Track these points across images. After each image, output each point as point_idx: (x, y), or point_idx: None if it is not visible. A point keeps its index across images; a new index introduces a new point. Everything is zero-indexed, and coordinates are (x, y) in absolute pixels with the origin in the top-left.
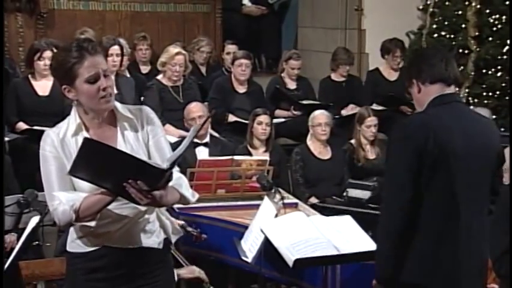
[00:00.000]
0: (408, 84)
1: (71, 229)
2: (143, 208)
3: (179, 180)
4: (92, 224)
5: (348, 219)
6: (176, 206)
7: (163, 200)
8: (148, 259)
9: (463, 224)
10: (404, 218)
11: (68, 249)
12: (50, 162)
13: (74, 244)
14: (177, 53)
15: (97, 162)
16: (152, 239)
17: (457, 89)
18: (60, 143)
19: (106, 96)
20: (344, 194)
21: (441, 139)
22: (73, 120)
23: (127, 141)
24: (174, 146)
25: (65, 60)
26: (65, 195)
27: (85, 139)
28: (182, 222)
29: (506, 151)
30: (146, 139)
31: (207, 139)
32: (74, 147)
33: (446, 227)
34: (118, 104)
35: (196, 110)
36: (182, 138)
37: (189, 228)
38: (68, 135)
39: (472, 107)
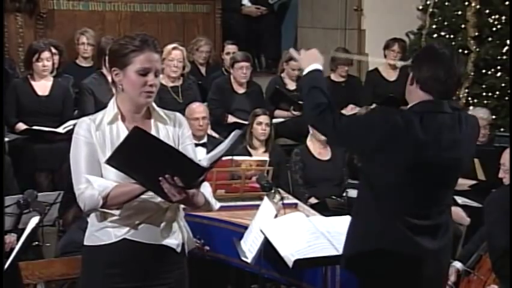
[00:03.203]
0: (409, 70)
1: (90, 223)
2: (164, 205)
3: (204, 187)
4: (117, 212)
5: (348, 219)
6: None
7: (194, 200)
8: (165, 259)
9: (426, 226)
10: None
11: (86, 243)
12: (82, 147)
13: (94, 237)
14: (174, 48)
15: (140, 152)
16: (171, 240)
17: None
18: (95, 129)
19: (148, 92)
20: (344, 194)
21: (412, 146)
22: (110, 109)
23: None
24: None
25: (125, 46)
26: (97, 180)
27: (135, 127)
28: None
29: (507, 151)
30: (177, 143)
31: (205, 139)
32: (108, 135)
33: (399, 228)
34: (154, 105)
35: (200, 110)
36: None
37: (193, 239)
38: (104, 122)
39: (471, 107)
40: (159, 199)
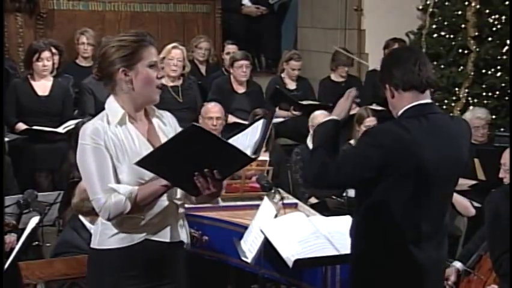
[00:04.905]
0: (382, 87)
1: (104, 226)
2: (178, 202)
3: None
4: (142, 217)
5: (348, 219)
6: None
7: (221, 192)
8: (179, 255)
9: (426, 234)
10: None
11: (100, 246)
12: (90, 154)
13: (111, 241)
14: (173, 47)
15: (187, 149)
16: (183, 234)
17: (433, 90)
18: (104, 132)
19: (159, 86)
20: (344, 194)
21: (410, 155)
22: (115, 110)
23: (166, 137)
24: None
25: (131, 44)
26: (121, 186)
27: (193, 125)
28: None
29: (507, 151)
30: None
31: None
32: (122, 136)
33: (408, 235)
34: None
35: (215, 110)
36: None
37: (191, 230)
38: (113, 124)
39: (471, 107)
40: (172, 197)
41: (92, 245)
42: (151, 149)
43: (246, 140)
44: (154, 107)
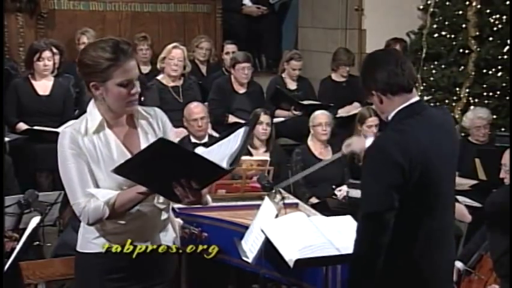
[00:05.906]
0: (367, 94)
1: (85, 230)
2: (161, 206)
3: None
4: (122, 222)
5: (349, 219)
6: (176, 205)
7: (204, 199)
8: (163, 257)
9: (440, 230)
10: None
11: (83, 250)
12: (70, 160)
13: (92, 245)
14: (174, 47)
15: (159, 160)
16: (167, 237)
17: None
18: (82, 139)
19: (132, 101)
20: (335, 192)
21: (419, 158)
22: (94, 117)
23: (148, 140)
24: None
25: (99, 61)
26: (100, 191)
27: (161, 139)
28: (182, 221)
29: (507, 152)
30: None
31: (206, 139)
32: (99, 144)
33: (425, 235)
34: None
35: (198, 111)
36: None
37: (190, 227)
38: (90, 131)
39: (472, 107)
40: (155, 201)
41: (76, 248)
42: (128, 156)
43: (226, 149)
44: (141, 107)
